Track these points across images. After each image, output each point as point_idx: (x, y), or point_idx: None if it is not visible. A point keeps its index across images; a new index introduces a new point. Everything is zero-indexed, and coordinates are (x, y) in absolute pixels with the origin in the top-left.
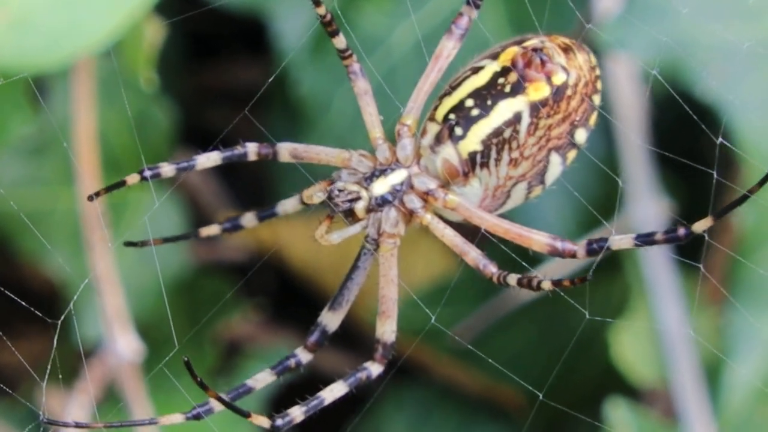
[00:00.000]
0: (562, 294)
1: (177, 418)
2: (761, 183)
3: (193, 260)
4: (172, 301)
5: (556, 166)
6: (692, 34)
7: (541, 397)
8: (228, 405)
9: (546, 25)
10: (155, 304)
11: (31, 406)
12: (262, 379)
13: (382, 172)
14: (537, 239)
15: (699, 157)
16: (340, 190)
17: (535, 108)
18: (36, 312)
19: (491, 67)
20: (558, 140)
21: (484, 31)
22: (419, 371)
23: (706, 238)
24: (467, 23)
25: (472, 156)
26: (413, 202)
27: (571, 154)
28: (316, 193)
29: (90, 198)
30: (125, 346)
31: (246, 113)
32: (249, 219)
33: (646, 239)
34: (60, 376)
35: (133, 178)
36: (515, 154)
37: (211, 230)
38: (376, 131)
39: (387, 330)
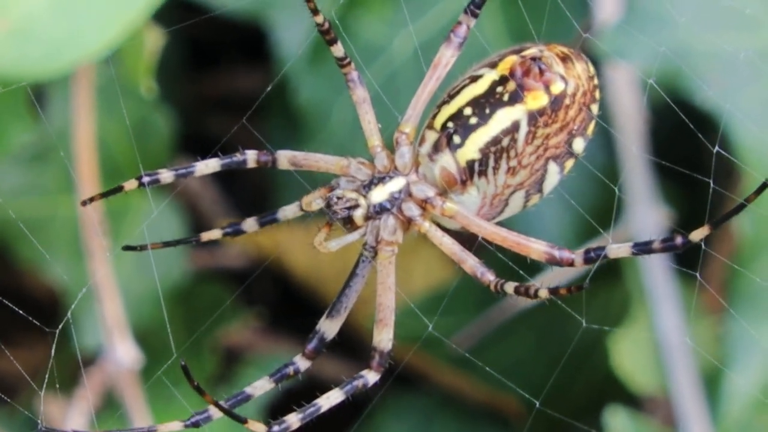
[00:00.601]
0: (559, 302)
1: (175, 425)
2: (758, 192)
3: (192, 267)
4: (171, 308)
5: (553, 175)
6: (690, 44)
7: (537, 405)
8: (225, 411)
9: (544, 34)
10: (154, 312)
11: (28, 414)
12: (261, 386)
13: (381, 180)
14: (534, 247)
15: (698, 165)
16: (338, 198)
17: (533, 117)
18: (34, 321)
19: (490, 76)
20: (556, 149)
21: (482, 40)
22: (419, 379)
23: (703, 247)
24: (465, 32)
25: (470, 164)
26: (411, 209)
27: (569, 163)
28: (315, 201)
29: (84, 203)
30: (124, 353)
31: (245, 122)
32: (250, 224)
33: (643, 248)
34: (57, 386)
35: (130, 184)
36: (513, 163)
37: (212, 234)
38: (374, 139)
39: (384, 338)
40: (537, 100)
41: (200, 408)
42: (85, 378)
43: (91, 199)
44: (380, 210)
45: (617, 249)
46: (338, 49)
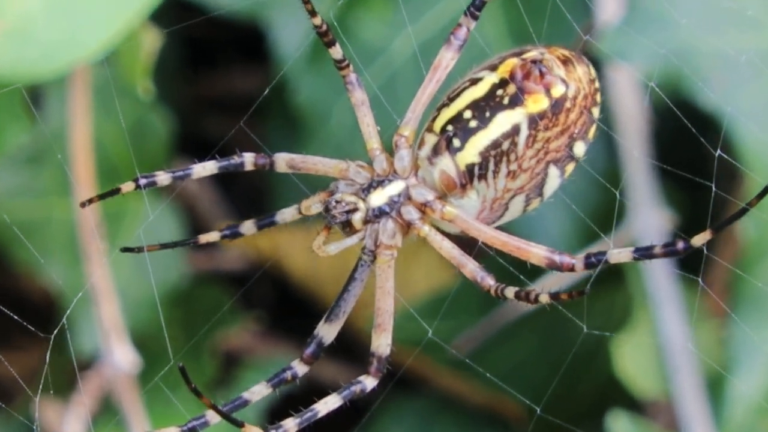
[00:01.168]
0: (560, 307)
1: (172, 431)
2: (760, 196)
3: (191, 270)
4: (169, 311)
5: (554, 179)
6: (692, 45)
7: (538, 411)
8: (222, 414)
9: (545, 37)
10: (152, 315)
11: (23, 419)
12: (258, 391)
13: (380, 184)
14: (535, 252)
15: (701, 168)
16: (337, 202)
17: (534, 120)
18: (29, 327)
19: (490, 79)
20: (556, 153)
21: (482, 42)
22: (420, 383)
23: (705, 251)
24: (466, 34)
25: (470, 168)
26: (411, 213)
27: (570, 167)
28: (314, 204)
29: (83, 204)
30: (121, 357)
31: (242, 125)
32: (248, 227)
33: (644, 253)
34: (51, 391)
35: (127, 186)
36: (513, 167)
37: (211, 237)
38: (373, 142)
39: (382, 343)
40: (537, 103)
41: (199, 414)
42: (81, 383)
43: (90, 201)
44: (379, 214)
45: (618, 254)
46: (336, 51)
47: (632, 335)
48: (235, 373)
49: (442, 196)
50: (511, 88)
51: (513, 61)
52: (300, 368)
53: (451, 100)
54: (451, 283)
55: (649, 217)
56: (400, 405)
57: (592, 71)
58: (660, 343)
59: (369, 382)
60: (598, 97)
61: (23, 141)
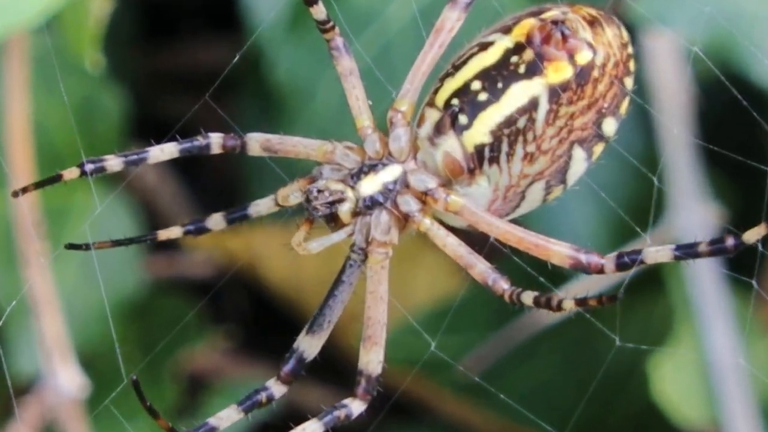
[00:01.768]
0: (588, 316)
1: None
2: None
3: (148, 277)
4: (123, 325)
5: (579, 163)
6: (741, 5)
7: None
8: None
9: None
10: (102, 330)
11: None
12: (227, 416)
13: (372, 168)
14: (557, 250)
15: (754, 151)
16: (320, 190)
17: (555, 92)
18: None
19: (502, 43)
20: (582, 131)
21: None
22: (420, 409)
23: (761, 249)
24: None
25: (479, 149)
26: (409, 203)
27: (598, 148)
28: (292, 194)
29: (15, 194)
30: (66, 380)
31: (207, 99)
32: (216, 221)
33: (687, 251)
34: None
35: (71, 173)
36: (531, 148)
37: (172, 233)
38: (363, 119)
39: (372, 359)
40: (559, 72)
41: None
42: (18, 410)
43: (24, 190)
44: (371, 204)
45: (656, 252)
46: (319, 11)
47: (673, 351)
48: (201, 399)
49: (446, 184)
50: (528, 54)
51: (530, 22)
52: (277, 389)
53: (457, 68)
54: (457, 289)
55: (692, 208)
56: None
57: (625, 34)
58: (707, 360)
59: (356, 407)
60: (632, 65)
61: None
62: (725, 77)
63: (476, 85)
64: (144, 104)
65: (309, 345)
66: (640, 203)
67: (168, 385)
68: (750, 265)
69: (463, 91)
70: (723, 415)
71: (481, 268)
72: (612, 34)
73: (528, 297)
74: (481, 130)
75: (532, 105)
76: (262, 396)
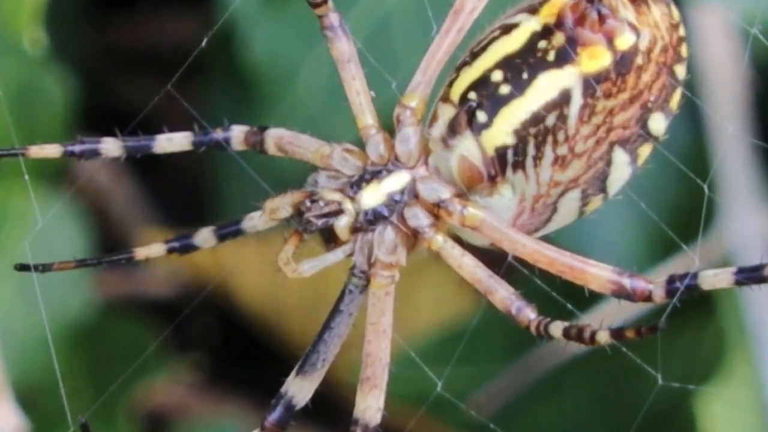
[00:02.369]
0: (624, 349)
1: None
2: None
3: (99, 297)
4: (69, 355)
5: (622, 168)
6: None
7: None
8: None
9: None
10: (44, 361)
11: None
12: None
13: (375, 175)
14: (596, 274)
15: None
16: (314, 201)
17: (591, 84)
18: None
19: (529, 25)
20: (624, 130)
21: None
22: None
23: None
24: None
25: (501, 152)
26: (418, 217)
27: (644, 150)
28: (282, 206)
29: None
30: (2, 420)
31: (170, 89)
32: (205, 237)
33: (751, 275)
34: None
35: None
36: (562, 150)
37: (152, 251)
38: (366, 117)
39: (371, 406)
40: (596, 59)
41: None
42: None
43: None
44: (374, 218)
45: (714, 277)
46: None
47: (726, 388)
48: None
49: (463, 194)
50: (559, 39)
51: (561, 0)
52: None
53: (475, 56)
54: (466, 309)
55: (749, 219)
56: None
57: (675, 13)
58: (764, 398)
59: None
60: (684, 50)
61: None
62: None
63: (497, 75)
64: (96, 90)
65: (300, 389)
66: (686, 212)
67: (122, 426)
68: None
69: (482, 83)
70: None
71: (503, 294)
72: (659, 13)
73: (557, 329)
74: (503, 129)
75: (564, 99)
76: None
